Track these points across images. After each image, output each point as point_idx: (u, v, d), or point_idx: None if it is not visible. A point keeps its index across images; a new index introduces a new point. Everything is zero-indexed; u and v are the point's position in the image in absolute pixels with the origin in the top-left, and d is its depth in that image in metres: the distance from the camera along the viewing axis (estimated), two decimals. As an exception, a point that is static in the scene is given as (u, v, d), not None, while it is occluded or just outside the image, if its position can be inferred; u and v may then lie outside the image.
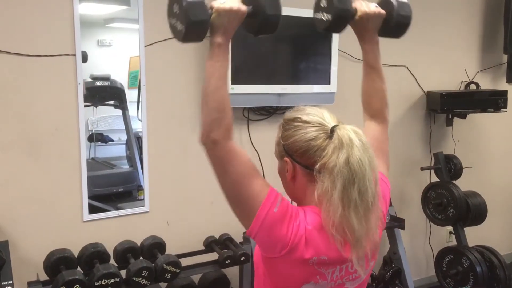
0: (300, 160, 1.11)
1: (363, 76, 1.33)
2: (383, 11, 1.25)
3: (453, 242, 3.42)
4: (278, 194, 1.08)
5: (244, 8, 1.08)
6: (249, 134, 2.71)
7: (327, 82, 2.73)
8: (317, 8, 1.24)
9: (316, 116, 1.12)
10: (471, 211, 3.17)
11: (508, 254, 3.87)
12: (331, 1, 1.18)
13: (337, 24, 1.22)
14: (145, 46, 2.39)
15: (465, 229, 3.25)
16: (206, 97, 1.05)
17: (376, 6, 1.25)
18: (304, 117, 1.12)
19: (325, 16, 1.21)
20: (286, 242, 1.04)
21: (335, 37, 2.72)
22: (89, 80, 2.40)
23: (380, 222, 1.12)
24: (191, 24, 1.02)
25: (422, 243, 3.56)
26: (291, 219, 1.05)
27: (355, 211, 1.03)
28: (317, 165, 1.06)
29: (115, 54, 2.63)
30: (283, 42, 2.70)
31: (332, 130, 1.08)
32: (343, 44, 2.81)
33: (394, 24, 1.25)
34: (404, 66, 3.22)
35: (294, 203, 1.15)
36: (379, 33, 1.28)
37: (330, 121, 1.11)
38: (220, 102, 1.04)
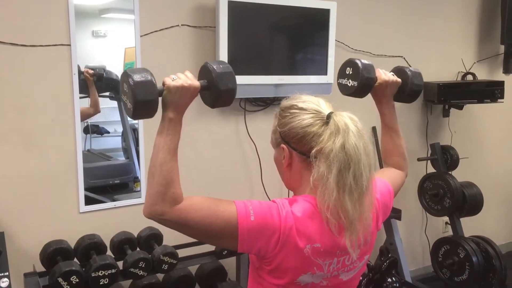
0: (297, 146, 1.12)
1: (382, 135, 1.49)
2: (399, 80, 1.41)
3: (449, 232, 3.43)
4: (246, 202, 1.06)
5: (196, 83, 1.09)
6: (246, 125, 2.71)
7: (324, 72, 2.73)
8: (342, 75, 1.38)
9: (312, 103, 1.14)
10: (467, 201, 3.18)
11: (504, 244, 3.89)
12: (358, 70, 1.32)
13: (362, 91, 1.35)
14: (140, 36, 2.38)
15: (461, 219, 3.27)
16: (153, 169, 1.05)
17: (393, 75, 1.40)
18: (300, 104, 1.14)
19: (350, 83, 1.35)
20: (278, 236, 1.05)
21: (332, 27, 2.71)
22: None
23: (374, 208, 1.14)
24: (139, 103, 1.03)
25: (419, 233, 3.58)
26: (273, 216, 1.05)
27: (349, 195, 1.05)
28: (313, 151, 1.08)
29: (110, 45, 2.61)
30: (280, 32, 2.68)
31: (328, 116, 1.10)
32: (340, 34, 2.80)
33: (409, 91, 1.43)
34: (401, 56, 3.22)
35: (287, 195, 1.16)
36: (394, 98, 1.44)
37: (325, 108, 1.13)
38: (165, 176, 1.04)
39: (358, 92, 1.35)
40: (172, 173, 1.05)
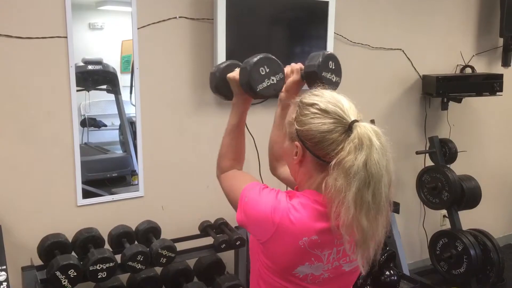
0: (312, 149, 1.08)
1: (275, 128, 1.42)
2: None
3: (447, 225, 3.44)
4: (253, 185, 1.16)
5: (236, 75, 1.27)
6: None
7: (323, 65, 2.71)
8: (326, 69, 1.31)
9: (335, 106, 1.07)
10: (466, 195, 3.18)
11: (501, 237, 3.91)
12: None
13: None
14: (138, 29, 2.36)
15: (459, 212, 3.27)
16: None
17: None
18: (323, 105, 1.08)
19: (334, 78, 1.31)
20: (269, 224, 1.06)
21: (331, 20, 2.69)
22: (81, 64, 2.36)
23: (386, 222, 1.11)
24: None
25: (417, 226, 3.58)
26: (266, 204, 1.08)
27: (366, 213, 1.01)
28: (333, 162, 1.03)
29: (107, 37, 2.60)
30: (279, 25, 2.67)
31: (351, 126, 1.04)
32: (339, 27, 2.79)
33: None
34: (400, 49, 3.20)
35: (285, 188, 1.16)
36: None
37: (349, 114, 1.07)
38: (221, 149, 1.34)
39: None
40: (225, 147, 1.32)
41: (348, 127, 1.05)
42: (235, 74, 1.28)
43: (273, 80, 1.25)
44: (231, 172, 1.30)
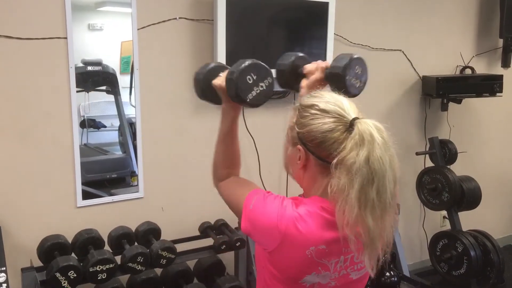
0: (315, 150, 1.06)
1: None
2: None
3: (447, 226, 3.44)
4: (257, 192, 1.13)
5: (222, 82, 1.22)
6: (244, 119, 2.69)
7: (323, 66, 2.71)
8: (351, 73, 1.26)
9: (335, 106, 1.06)
10: (466, 195, 3.17)
11: (501, 238, 3.90)
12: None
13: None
14: (137, 30, 2.35)
15: (459, 213, 3.27)
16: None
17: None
18: (322, 105, 1.06)
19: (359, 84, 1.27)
20: (274, 234, 1.03)
21: (331, 21, 2.69)
22: (81, 65, 2.36)
23: (394, 222, 1.07)
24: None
25: (417, 227, 3.58)
26: (271, 212, 1.05)
27: (371, 212, 0.98)
28: (335, 160, 1.01)
29: (107, 38, 2.59)
30: (279, 26, 2.66)
31: (352, 123, 1.03)
32: (339, 28, 2.78)
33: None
34: (400, 50, 3.20)
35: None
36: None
37: (349, 112, 1.05)
38: (214, 157, 1.30)
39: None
40: (219, 155, 1.28)
41: (349, 125, 1.03)
42: (220, 82, 1.21)
43: (262, 86, 1.18)
44: (230, 179, 1.27)
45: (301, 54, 1.33)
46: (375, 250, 1.01)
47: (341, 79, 1.21)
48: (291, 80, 1.31)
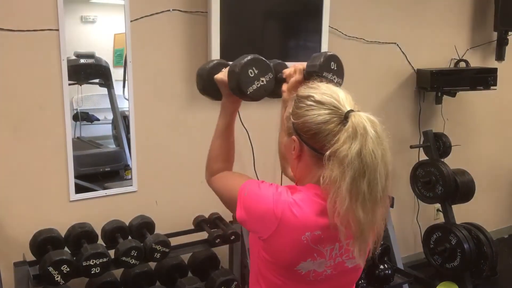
0: (309, 142, 1.07)
1: (281, 129, 1.33)
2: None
3: (441, 219, 3.45)
4: (251, 181, 1.14)
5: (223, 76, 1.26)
6: (238, 112, 2.67)
7: (317, 59, 2.70)
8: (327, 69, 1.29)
9: (330, 97, 1.06)
10: (459, 189, 3.18)
11: (495, 230, 3.92)
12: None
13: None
14: (130, 21, 2.33)
15: (452, 206, 3.28)
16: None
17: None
18: (318, 97, 1.07)
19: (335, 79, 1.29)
20: (270, 220, 1.04)
21: (326, 14, 2.67)
22: (73, 57, 2.34)
23: (385, 215, 1.09)
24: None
25: (410, 220, 3.59)
26: (267, 198, 1.06)
27: (362, 204, 0.99)
28: (328, 152, 1.01)
29: (100, 30, 2.57)
30: (273, 18, 2.65)
31: (346, 116, 1.03)
32: (333, 21, 2.77)
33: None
34: (395, 43, 3.20)
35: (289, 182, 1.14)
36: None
37: (345, 104, 1.06)
38: (210, 152, 1.33)
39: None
40: (215, 149, 1.30)
41: (344, 117, 1.04)
42: (222, 75, 1.25)
43: (262, 81, 1.23)
44: (223, 173, 1.28)
45: (278, 61, 1.37)
46: (365, 242, 1.03)
47: (319, 77, 1.24)
48: (273, 86, 1.33)
